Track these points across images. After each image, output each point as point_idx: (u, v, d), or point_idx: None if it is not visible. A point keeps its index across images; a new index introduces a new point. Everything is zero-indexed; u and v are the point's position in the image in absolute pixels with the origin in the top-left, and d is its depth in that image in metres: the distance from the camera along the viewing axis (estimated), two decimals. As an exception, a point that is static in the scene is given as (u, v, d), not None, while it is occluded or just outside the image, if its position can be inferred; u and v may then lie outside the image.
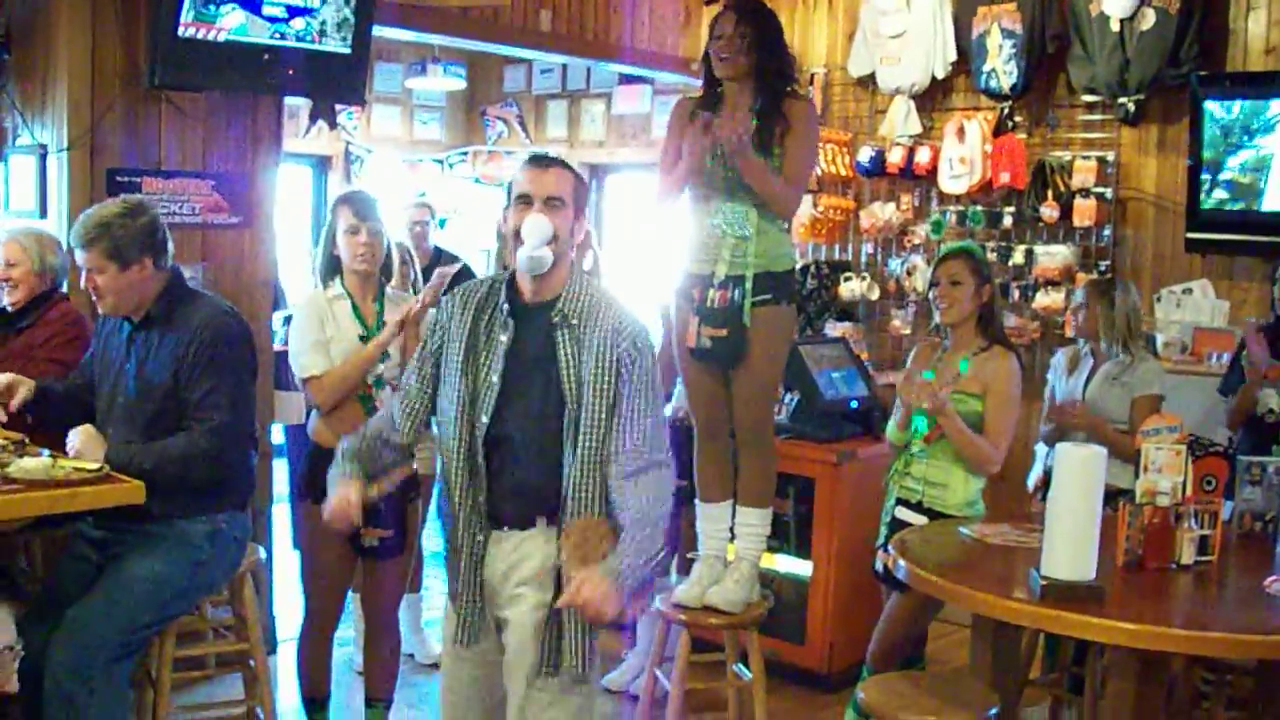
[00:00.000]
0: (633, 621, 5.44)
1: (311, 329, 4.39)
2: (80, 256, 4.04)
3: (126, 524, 4.00)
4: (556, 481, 3.30)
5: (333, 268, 4.50)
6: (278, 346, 5.83)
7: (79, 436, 3.96)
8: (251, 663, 4.62)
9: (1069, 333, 6.45)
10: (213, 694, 5.22)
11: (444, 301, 3.51)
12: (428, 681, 5.73)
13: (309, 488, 4.41)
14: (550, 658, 3.30)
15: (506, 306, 3.34)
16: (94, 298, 4.10)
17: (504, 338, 3.33)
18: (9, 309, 4.77)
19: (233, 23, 5.11)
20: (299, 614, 4.67)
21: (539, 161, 3.40)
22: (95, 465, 3.80)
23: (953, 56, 7.10)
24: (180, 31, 4.99)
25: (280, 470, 6.46)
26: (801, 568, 5.70)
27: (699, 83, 4.79)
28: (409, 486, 4.42)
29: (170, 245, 4.17)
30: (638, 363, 3.30)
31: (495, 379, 3.31)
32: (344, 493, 3.37)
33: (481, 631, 3.42)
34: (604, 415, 3.28)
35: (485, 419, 3.32)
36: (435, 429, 3.54)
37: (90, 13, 5.17)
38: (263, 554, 4.74)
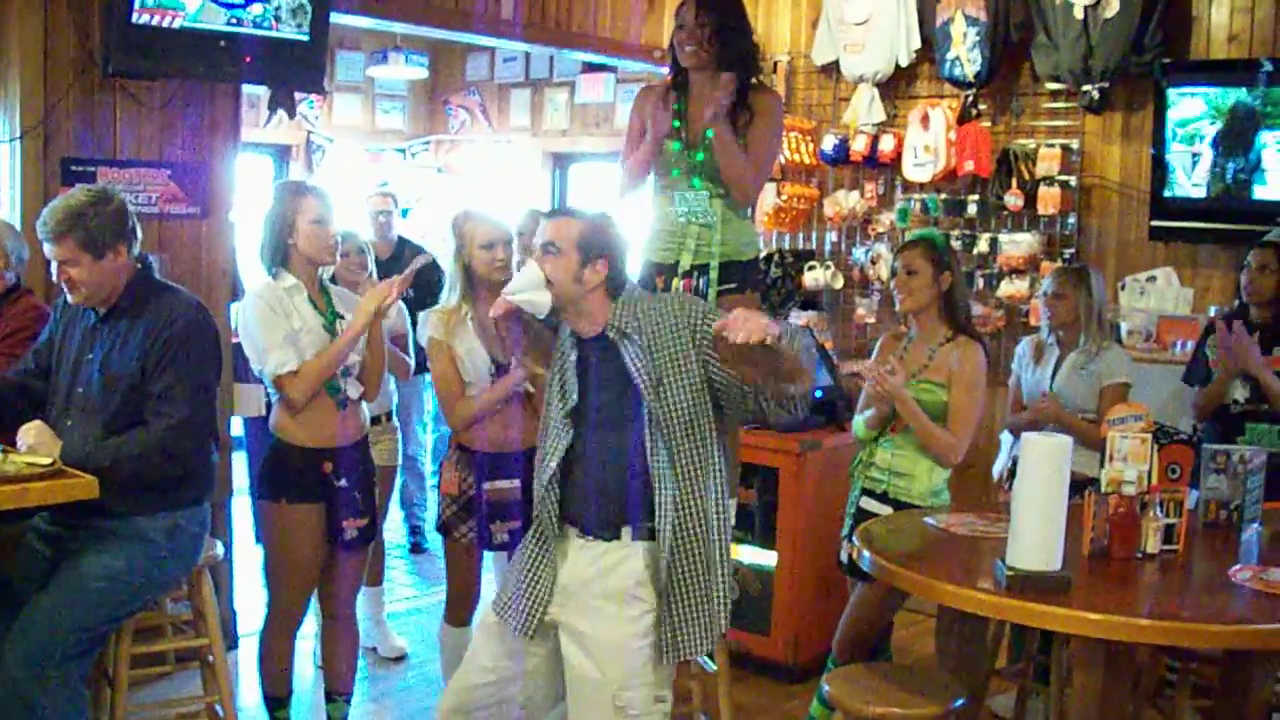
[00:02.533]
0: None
1: (278, 323, 4.28)
2: (51, 249, 3.94)
3: (82, 519, 3.92)
4: (641, 491, 3.44)
5: (283, 257, 4.42)
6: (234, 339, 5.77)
7: (31, 433, 3.87)
8: (210, 658, 4.56)
9: (1034, 321, 6.46)
10: (172, 691, 5.16)
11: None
12: (389, 675, 5.69)
13: (277, 486, 4.35)
14: (635, 673, 3.42)
15: (573, 337, 3.57)
16: (66, 291, 4.00)
17: (573, 356, 3.55)
18: None
19: (189, 8, 5.04)
20: (261, 609, 4.61)
21: (547, 213, 3.69)
22: (48, 460, 3.72)
23: (917, 44, 7.08)
24: (135, 18, 4.92)
25: (240, 463, 6.40)
26: (766, 558, 5.68)
27: (662, 71, 4.76)
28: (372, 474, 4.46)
29: (139, 233, 4.09)
30: (710, 315, 3.45)
31: (574, 395, 3.51)
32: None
33: (535, 629, 3.54)
34: (695, 405, 3.43)
35: (572, 430, 3.51)
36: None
37: (43, -1, 5.09)
38: (221, 549, 4.67)
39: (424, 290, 5.46)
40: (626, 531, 3.46)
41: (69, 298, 4.03)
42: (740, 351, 3.24)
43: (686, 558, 3.43)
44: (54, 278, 4.01)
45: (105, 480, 3.75)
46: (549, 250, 3.45)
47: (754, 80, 4.51)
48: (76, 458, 3.80)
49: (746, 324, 3.15)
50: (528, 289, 3.45)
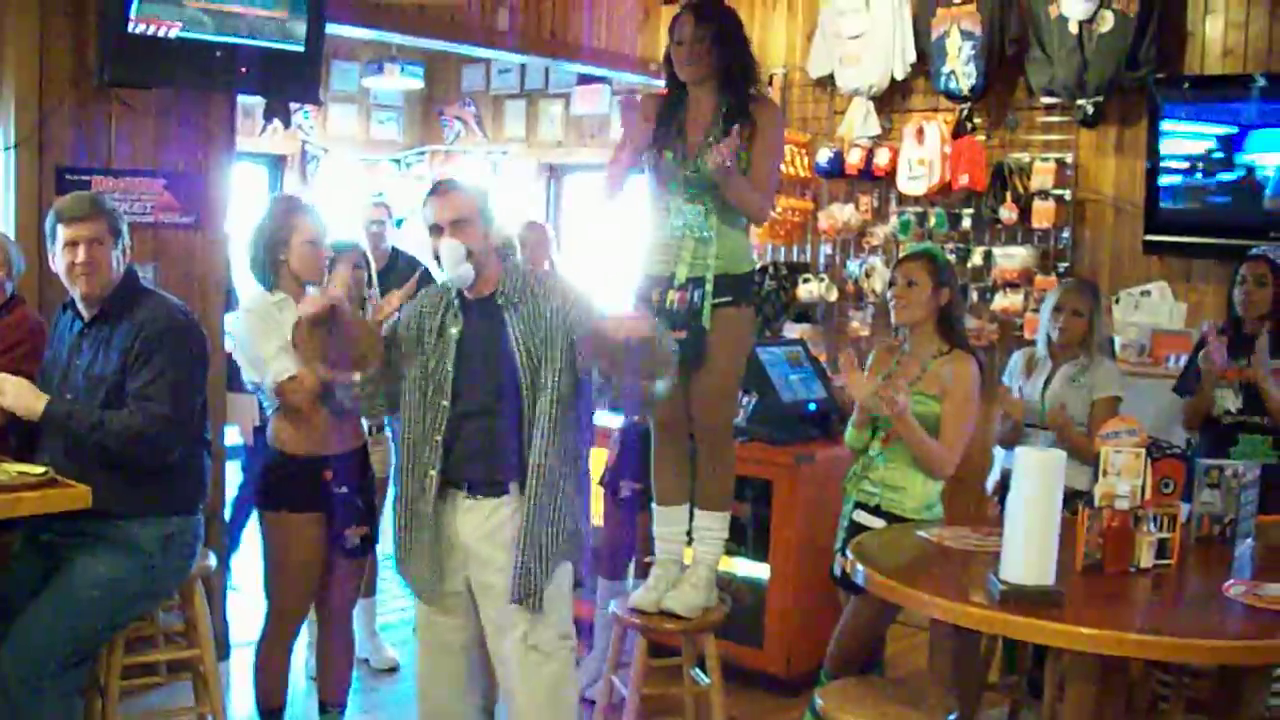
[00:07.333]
0: (588, 624, 5.39)
1: (273, 334, 4.29)
2: (79, 229, 3.96)
3: (75, 526, 3.90)
4: (517, 450, 3.76)
5: (276, 272, 4.42)
6: (229, 348, 5.74)
7: (10, 386, 3.90)
8: (202, 669, 4.54)
9: (1028, 334, 6.46)
10: (163, 701, 5.14)
11: (406, 306, 4.01)
12: (382, 687, 5.67)
13: (277, 496, 4.34)
14: (532, 602, 3.75)
15: (457, 303, 3.86)
16: (84, 273, 3.98)
17: (454, 330, 3.83)
18: None
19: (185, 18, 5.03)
20: (255, 620, 4.59)
21: (436, 190, 3.89)
22: (40, 470, 3.72)
23: (912, 58, 7.10)
24: (131, 27, 4.91)
25: (233, 474, 6.38)
26: (759, 571, 5.67)
27: (657, 83, 4.75)
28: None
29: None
30: (581, 310, 3.80)
31: (449, 366, 3.80)
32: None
33: (445, 593, 3.91)
34: (562, 375, 3.75)
35: (446, 403, 3.79)
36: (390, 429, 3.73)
37: (39, 7, 5.07)
38: (213, 559, 4.66)
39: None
40: (514, 486, 3.79)
41: (80, 288, 4.01)
42: (614, 349, 3.60)
43: (555, 506, 3.76)
44: (72, 260, 3.97)
45: (83, 449, 3.85)
46: (461, 225, 3.75)
47: (752, 91, 4.50)
48: (60, 414, 3.88)
49: (626, 323, 3.62)
50: (458, 265, 3.74)
